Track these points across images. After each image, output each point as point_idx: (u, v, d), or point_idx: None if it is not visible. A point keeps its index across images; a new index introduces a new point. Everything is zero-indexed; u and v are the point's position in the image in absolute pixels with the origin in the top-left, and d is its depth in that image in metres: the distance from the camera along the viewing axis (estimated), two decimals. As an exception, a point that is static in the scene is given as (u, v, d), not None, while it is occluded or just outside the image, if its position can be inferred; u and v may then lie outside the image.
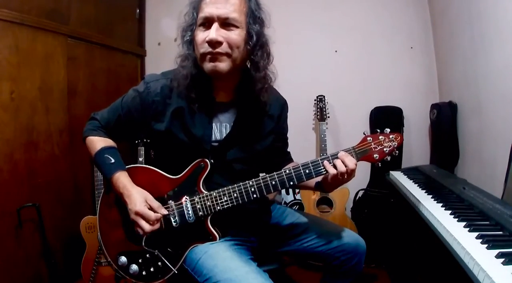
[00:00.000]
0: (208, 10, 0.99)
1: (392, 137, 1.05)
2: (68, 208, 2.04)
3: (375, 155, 1.04)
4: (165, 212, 1.06)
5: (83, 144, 1.20)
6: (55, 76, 1.97)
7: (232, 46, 1.01)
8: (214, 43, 0.99)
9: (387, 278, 2.05)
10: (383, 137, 1.04)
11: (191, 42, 1.06)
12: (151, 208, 1.04)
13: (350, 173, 1.01)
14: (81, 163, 2.13)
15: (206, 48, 1.00)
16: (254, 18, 1.04)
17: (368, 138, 1.05)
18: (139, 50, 2.73)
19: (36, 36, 1.85)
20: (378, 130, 1.07)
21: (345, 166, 1.00)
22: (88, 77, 2.21)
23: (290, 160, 1.33)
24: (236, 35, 1.01)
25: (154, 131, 1.11)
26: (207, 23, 1.00)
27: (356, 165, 1.02)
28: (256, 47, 1.05)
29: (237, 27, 1.01)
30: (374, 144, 1.04)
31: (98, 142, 1.15)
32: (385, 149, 1.04)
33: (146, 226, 1.02)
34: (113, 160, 1.11)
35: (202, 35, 1.01)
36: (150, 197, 1.07)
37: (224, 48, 1.00)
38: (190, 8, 1.06)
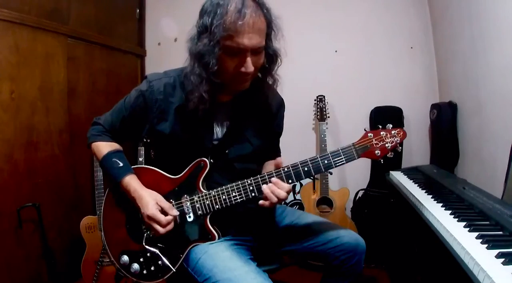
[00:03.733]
0: (241, 41, 0.94)
1: (395, 132, 1.01)
2: (68, 208, 2.04)
3: (376, 152, 1.01)
4: (176, 212, 1.07)
5: (88, 149, 1.22)
6: (55, 76, 1.97)
7: (258, 69, 1.04)
8: (249, 74, 0.99)
9: (387, 278, 2.05)
10: (384, 133, 1.02)
11: (214, 69, 1.00)
12: (162, 210, 1.05)
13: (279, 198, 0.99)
14: (81, 163, 2.13)
15: (236, 75, 1.00)
16: (273, 36, 1.04)
17: (369, 134, 1.02)
18: (139, 50, 2.73)
19: (36, 36, 1.85)
20: (380, 126, 1.04)
21: (272, 192, 0.99)
22: (88, 77, 2.21)
23: (278, 157, 1.34)
24: (262, 59, 1.03)
25: (156, 130, 1.12)
26: (238, 52, 0.96)
27: (277, 195, 0.98)
28: (273, 62, 1.07)
29: (262, 51, 1.02)
30: (375, 140, 1.01)
31: (104, 147, 1.16)
32: (387, 145, 1.01)
33: (160, 229, 1.03)
34: (121, 164, 1.12)
35: (232, 63, 0.98)
36: (160, 198, 1.08)
37: (253, 72, 1.01)
38: (214, 29, 0.94)
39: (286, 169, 1.02)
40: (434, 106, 2.20)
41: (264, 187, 1.00)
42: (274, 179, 1.00)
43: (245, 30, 0.93)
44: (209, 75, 1.00)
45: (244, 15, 0.92)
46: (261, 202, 1.01)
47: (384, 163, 1.04)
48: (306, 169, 1.01)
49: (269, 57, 1.06)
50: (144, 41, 2.78)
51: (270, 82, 1.11)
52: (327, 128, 2.24)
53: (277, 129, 1.28)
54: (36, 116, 1.87)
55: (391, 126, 1.03)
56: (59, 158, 2.00)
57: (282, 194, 0.99)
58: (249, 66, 0.97)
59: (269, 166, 1.22)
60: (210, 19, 0.95)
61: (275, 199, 0.99)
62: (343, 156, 1.01)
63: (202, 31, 0.98)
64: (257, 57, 1.00)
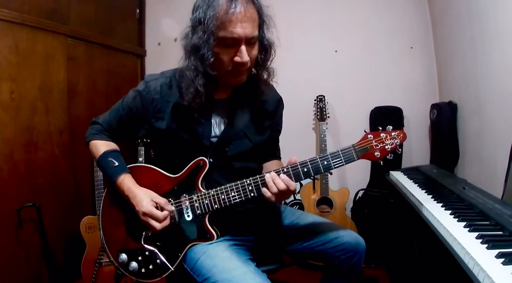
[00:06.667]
0: (235, 30, 0.95)
1: (395, 134, 1.01)
2: (68, 208, 2.04)
3: (376, 153, 1.01)
4: (171, 208, 1.07)
5: (86, 147, 1.23)
6: (55, 76, 1.97)
7: (253, 61, 1.04)
8: (245, 64, 0.99)
9: (387, 278, 2.05)
10: (384, 135, 1.01)
11: (210, 61, 1.00)
12: (158, 206, 1.06)
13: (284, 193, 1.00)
14: (81, 163, 2.13)
15: (232, 67, 1.01)
16: (265, 28, 1.05)
17: (369, 136, 1.02)
18: (139, 50, 2.73)
19: (36, 36, 1.85)
20: (380, 128, 1.04)
21: (275, 185, 0.99)
22: (88, 77, 2.22)
23: (278, 157, 1.34)
24: (256, 51, 1.04)
25: (155, 129, 1.12)
26: (232, 43, 0.98)
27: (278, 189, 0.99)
28: (267, 54, 1.08)
29: (255, 42, 1.02)
30: (375, 141, 1.01)
31: (101, 146, 1.17)
32: (387, 147, 1.01)
33: (157, 225, 1.03)
34: (116, 163, 1.13)
35: (227, 56, 0.99)
36: (155, 195, 1.08)
37: (248, 64, 1.01)
38: (208, 21, 0.95)
39: (285, 170, 1.02)
40: (434, 106, 2.20)
41: (267, 176, 1.00)
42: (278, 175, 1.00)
43: (238, 19, 0.95)
44: (205, 68, 1.01)
45: (236, 5, 0.95)
46: (263, 189, 1.00)
47: (384, 164, 1.04)
48: (305, 170, 1.01)
49: (264, 48, 1.06)
50: (144, 41, 2.78)
51: (266, 76, 1.11)
52: (327, 128, 2.24)
53: (276, 127, 1.28)
54: (36, 116, 1.87)
55: (391, 127, 1.03)
56: (59, 158, 2.00)
57: (281, 185, 0.99)
58: (244, 55, 0.98)
59: (272, 166, 1.22)
60: (203, 12, 0.97)
61: (274, 189, 0.99)
62: (342, 158, 1.01)
63: (196, 26, 0.99)
64: (251, 48, 1.01)
